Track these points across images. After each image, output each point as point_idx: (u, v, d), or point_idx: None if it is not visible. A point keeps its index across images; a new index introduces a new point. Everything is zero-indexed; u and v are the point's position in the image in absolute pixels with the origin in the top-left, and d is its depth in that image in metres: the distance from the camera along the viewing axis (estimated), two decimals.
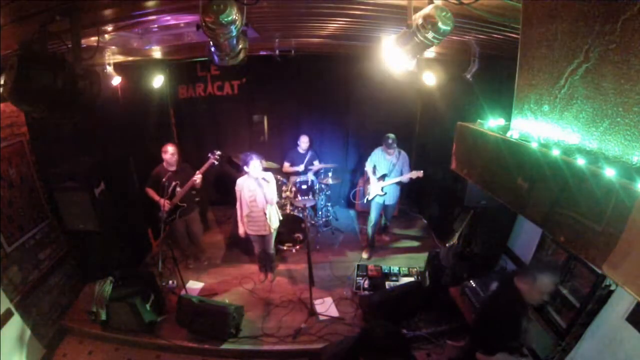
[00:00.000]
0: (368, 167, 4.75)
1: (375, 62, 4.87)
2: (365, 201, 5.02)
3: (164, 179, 3.96)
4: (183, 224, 4.47)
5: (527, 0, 1.49)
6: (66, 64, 1.96)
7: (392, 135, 4.45)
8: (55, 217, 3.79)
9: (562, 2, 1.27)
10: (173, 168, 4.13)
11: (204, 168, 4.11)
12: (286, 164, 5.58)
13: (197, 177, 4.06)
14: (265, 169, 3.96)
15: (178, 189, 4.13)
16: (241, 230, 4.11)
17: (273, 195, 3.90)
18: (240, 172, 4.06)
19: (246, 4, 1.75)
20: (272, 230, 4.11)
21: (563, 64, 1.31)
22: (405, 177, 4.51)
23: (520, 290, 2.22)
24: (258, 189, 3.84)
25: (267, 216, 3.96)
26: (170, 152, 4.07)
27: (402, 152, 4.62)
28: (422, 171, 4.47)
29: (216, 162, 4.15)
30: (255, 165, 3.71)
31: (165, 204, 4.03)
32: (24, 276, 3.37)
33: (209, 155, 4.13)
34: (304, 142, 5.44)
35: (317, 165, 5.57)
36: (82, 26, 1.98)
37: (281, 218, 4.27)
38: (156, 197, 4.04)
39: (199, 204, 4.66)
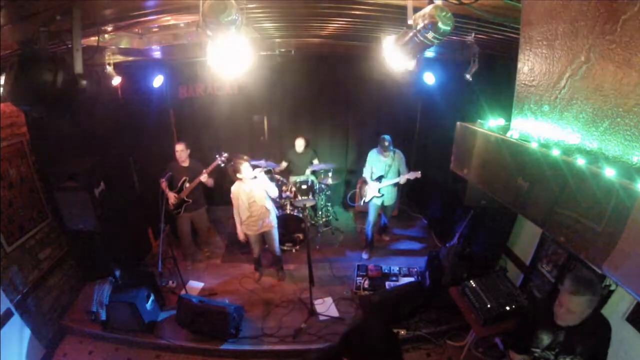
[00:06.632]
0: (366, 172, 4.73)
1: (375, 62, 4.90)
2: (362, 203, 5.01)
3: (169, 173, 4.18)
4: (188, 220, 4.56)
5: (527, 0, 1.49)
6: (66, 64, 1.96)
7: (387, 137, 4.42)
8: (55, 217, 3.79)
9: (562, 2, 1.27)
10: (185, 164, 4.31)
11: (210, 168, 4.26)
12: (284, 164, 5.69)
13: (204, 176, 4.21)
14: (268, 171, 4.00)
15: (187, 184, 4.29)
16: (241, 236, 4.15)
17: (273, 187, 3.95)
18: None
19: (246, 4, 1.75)
20: (274, 225, 4.14)
21: (563, 64, 1.31)
22: (402, 179, 4.47)
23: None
24: (254, 189, 3.86)
25: (268, 209, 3.99)
26: (177, 149, 4.24)
27: (398, 152, 4.58)
28: (419, 172, 4.43)
29: (222, 164, 4.28)
30: (245, 168, 3.73)
31: (172, 196, 4.21)
32: (24, 276, 3.37)
33: (216, 156, 4.27)
34: (298, 145, 5.53)
35: (316, 163, 5.58)
36: (82, 26, 1.98)
37: (277, 212, 4.34)
38: (166, 190, 4.19)
39: (206, 203, 4.75)
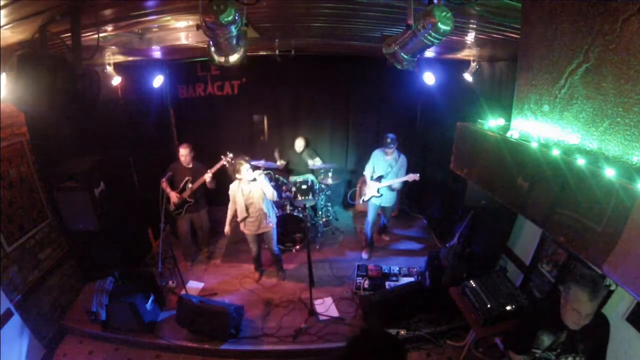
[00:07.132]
0: (366, 170, 4.73)
1: (375, 62, 4.92)
2: (361, 202, 5.01)
3: (169, 173, 4.21)
4: (188, 221, 4.57)
5: (527, 0, 1.49)
6: (66, 64, 1.96)
7: (391, 135, 4.43)
8: (55, 217, 3.78)
9: (562, 2, 1.27)
10: (188, 165, 4.33)
11: (215, 168, 4.25)
12: (282, 162, 5.66)
13: (208, 176, 4.19)
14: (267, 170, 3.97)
15: (189, 185, 4.30)
16: (226, 229, 4.16)
17: (271, 190, 3.93)
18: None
19: (246, 4, 1.75)
20: (273, 226, 4.14)
21: (563, 64, 1.31)
22: (398, 181, 4.47)
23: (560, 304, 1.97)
24: (254, 190, 3.87)
25: (266, 212, 3.98)
26: (182, 154, 4.25)
27: (402, 156, 4.57)
28: (418, 175, 4.43)
29: (227, 165, 4.25)
30: (245, 169, 3.73)
31: (174, 196, 4.22)
32: (24, 276, 3.37)
33: (222, 156, 4.25)
34: (298, 145, 5.52)
35: (317, 162, 5.58)
36: (82, 26, 1.98)
37: (277, 212, 4.32)
38: (167, 189, 4.19)
39: (207, 204, 4.73)
